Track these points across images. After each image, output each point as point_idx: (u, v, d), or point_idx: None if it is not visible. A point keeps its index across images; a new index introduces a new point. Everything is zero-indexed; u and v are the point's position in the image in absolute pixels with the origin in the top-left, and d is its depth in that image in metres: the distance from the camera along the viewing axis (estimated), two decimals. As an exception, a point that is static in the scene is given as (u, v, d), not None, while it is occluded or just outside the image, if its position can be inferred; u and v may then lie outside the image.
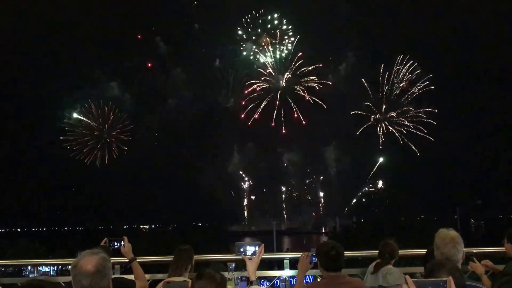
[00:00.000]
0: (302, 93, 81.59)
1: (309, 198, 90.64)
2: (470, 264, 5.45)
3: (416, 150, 78.74)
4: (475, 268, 5.32)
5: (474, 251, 6.47)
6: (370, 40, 79.40)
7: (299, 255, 5.00)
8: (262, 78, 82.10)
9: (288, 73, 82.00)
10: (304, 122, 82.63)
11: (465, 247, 4.17)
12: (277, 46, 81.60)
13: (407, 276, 2.57)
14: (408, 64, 78.80)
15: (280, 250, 50.37)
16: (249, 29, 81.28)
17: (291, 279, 6.19)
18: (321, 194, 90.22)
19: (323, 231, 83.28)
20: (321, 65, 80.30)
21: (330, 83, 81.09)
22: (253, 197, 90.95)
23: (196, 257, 5.29)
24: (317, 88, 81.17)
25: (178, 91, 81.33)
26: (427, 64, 77.44)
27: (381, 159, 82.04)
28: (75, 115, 76.17)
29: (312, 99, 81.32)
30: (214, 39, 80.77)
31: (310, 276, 6.52)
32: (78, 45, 77.31)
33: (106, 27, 76.61)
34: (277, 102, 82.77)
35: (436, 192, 76.44)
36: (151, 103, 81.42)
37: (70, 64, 77.32)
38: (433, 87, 77.94)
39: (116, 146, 78.08)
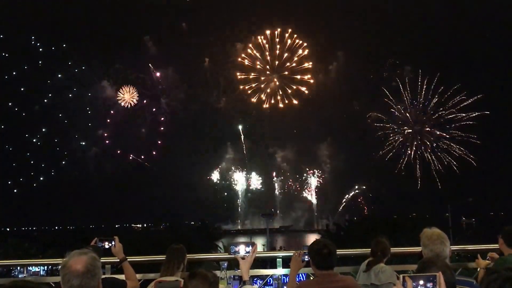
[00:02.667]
0: (292, 96, 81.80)
1: (302, 196, 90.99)
2: (476, 262, 5.49)
3: (409, 150, 79.34)
4: (479, 264, 5.36)
5: (468, 248, 6.53)
6: (361, 39, 79.87)
7: (292, 254, 5.00)
8: (252, 79, 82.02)
9: (275, 75, 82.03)
10: (295, 122, 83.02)
11: (456, 244, 4.22)
12: (267, 46, 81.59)
13: (407, 277, 2.60)
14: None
15: (273, 248, 50.49)
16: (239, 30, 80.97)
17: (284, 278, 6.19)
18: (314, 192, 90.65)
19: (316, 229, 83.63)
20: (311, 64, 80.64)
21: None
22: (246, 195, 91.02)
23: (189, 256, 5.26)
24: (306, 92, 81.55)
25: (170, 91, 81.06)
26: (419, 65, 78.08)
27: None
28: None
29: (302, 100, 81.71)
30: (202, 39, 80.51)
31: (302, 274, 6.52)
32: (68, 45, 76.60)
33: (96, 27, 76.06)
34: (269, 102, 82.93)
35: (427, 190, 77.19)
36: (144, 103, 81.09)
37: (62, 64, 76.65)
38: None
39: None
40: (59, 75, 75.83)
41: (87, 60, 76.38)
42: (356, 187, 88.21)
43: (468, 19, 73.78)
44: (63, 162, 75.86)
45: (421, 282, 2.60)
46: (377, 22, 79.15)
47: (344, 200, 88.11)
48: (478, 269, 5.39)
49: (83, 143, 77.14)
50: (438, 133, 76.79)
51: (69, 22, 76.13)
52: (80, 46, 76.54)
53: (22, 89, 74.50)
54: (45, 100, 75.28)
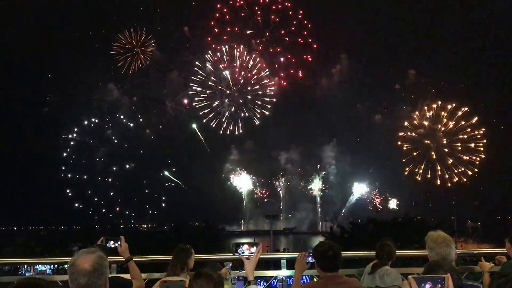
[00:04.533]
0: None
1: (307, 197, 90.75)
2: (479, 264, 5.46)
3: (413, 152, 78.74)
4: (483, 267, 5.33)
5: (474, 252, 6.49)
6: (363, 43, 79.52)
7: (296, 255, 5.00)
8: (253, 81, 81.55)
9: (278, 78, 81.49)
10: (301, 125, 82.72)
11: (462, 248, 4.21)
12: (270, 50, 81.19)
13: (414, 278, 2.60)
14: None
15: (277, 250, 50.40)
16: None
17: (288, 279, 6.19)
18: (319, 193, 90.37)
19: (320, 231, 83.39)
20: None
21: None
22: (250, 197, 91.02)
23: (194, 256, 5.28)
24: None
25: (175, 95, 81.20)
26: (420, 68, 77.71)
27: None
28: None
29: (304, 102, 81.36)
30: (204, 42, 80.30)
31: (307, 276, 6.52)
32: (75, 50, 77.00)
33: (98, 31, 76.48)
34: (270, 106, 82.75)
35: (433, 192, 76.70)
36: (148, 106, 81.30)
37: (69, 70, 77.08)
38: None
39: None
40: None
41: (93, 63, 76.78)
42: (360, 189, 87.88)
43: (469, 22, 73.44)
44: (70, 162, 76.33)
45: (429, 284, 2.60)
46: (379, 24, 79.00)
47: (348, 202, 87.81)
48: (483, 272, 5.36)
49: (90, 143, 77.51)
50: (443, 139, 76.14)
51: (69, 26, 76.80)
52: (84, 49, 77.10)
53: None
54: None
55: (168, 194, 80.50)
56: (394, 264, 5.62)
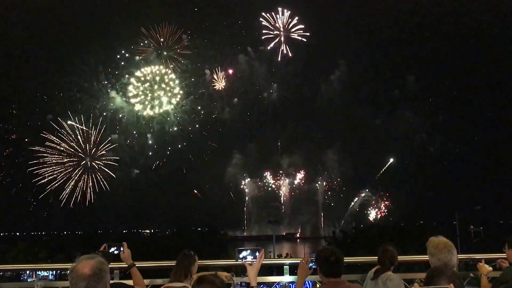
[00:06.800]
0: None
1: (309, 203, 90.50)
2: (478, 265, 5.45)
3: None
4: (481, 269, 5.32)
5: (476, 257, 6.46)
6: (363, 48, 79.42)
7: (299, 261, 5.00)
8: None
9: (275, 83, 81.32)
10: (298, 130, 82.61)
11: (464, 253, 4.21)
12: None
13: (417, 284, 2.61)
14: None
15: (279, 255, 50.23)
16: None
17: (291, 285, 6.18)
18: (321, 198, 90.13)
19: (323, 236, 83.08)
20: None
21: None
22: (253, 202, 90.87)
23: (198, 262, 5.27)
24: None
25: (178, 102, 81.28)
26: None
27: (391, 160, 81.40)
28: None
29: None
30: (204, 51, 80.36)
31: (309, 282, 6.51)
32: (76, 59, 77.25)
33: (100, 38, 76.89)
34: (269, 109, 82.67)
35: (435, 197, 76.42)
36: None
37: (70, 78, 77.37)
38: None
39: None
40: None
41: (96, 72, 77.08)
42: (363, 194, 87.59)
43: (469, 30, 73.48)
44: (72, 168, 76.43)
45: None
46: (378, 30, 79.15)
47: (351, 206, 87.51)
48: (480, 275, 5.33)
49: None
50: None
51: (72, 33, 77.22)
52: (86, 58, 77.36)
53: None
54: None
55: (171, 199, 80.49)
56: (396, 269, 5.61)
